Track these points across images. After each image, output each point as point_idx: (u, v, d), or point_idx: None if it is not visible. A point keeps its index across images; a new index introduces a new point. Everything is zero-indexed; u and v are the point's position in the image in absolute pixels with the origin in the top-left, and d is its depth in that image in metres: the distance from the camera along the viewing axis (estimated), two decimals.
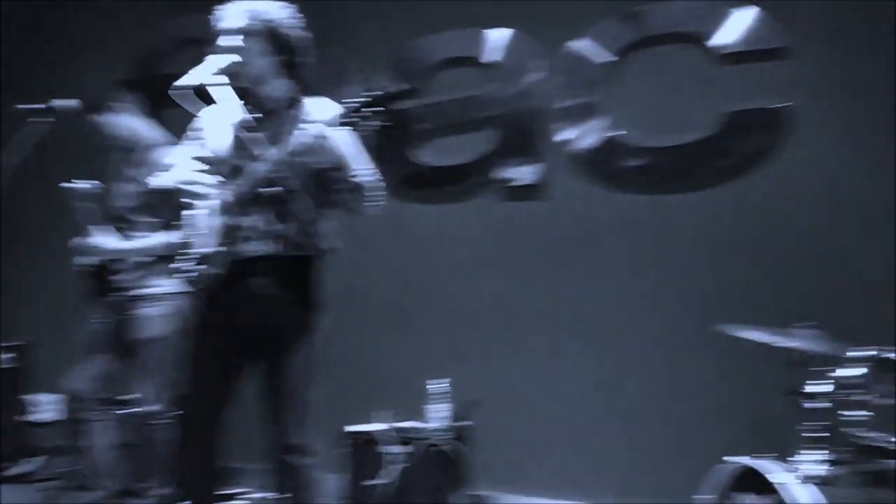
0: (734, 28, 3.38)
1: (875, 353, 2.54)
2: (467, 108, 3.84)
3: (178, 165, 2.59)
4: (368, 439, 3.31)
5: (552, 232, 3.67)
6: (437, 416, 3.35)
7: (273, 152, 2.36)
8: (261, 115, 2.49)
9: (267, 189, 2.36)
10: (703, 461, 2.63)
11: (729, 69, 3.39)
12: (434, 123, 3.90)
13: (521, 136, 3.73)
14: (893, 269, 3.10)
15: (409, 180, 3.92)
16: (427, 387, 3.38)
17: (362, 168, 2.46)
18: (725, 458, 2.56)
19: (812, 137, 3.27)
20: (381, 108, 2.25)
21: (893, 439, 2.43)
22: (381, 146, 3.89)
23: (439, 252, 3.85)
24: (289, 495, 2.48)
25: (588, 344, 3.57)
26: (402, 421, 3.36)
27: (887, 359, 2.51)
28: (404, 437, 3.27)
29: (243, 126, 2.45)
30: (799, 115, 3.28)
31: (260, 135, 2.42)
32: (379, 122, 2.28)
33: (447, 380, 3.38)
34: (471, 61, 3.86)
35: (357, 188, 2.44)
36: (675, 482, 3.11)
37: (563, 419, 3.57)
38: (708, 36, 3.41)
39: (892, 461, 2.48)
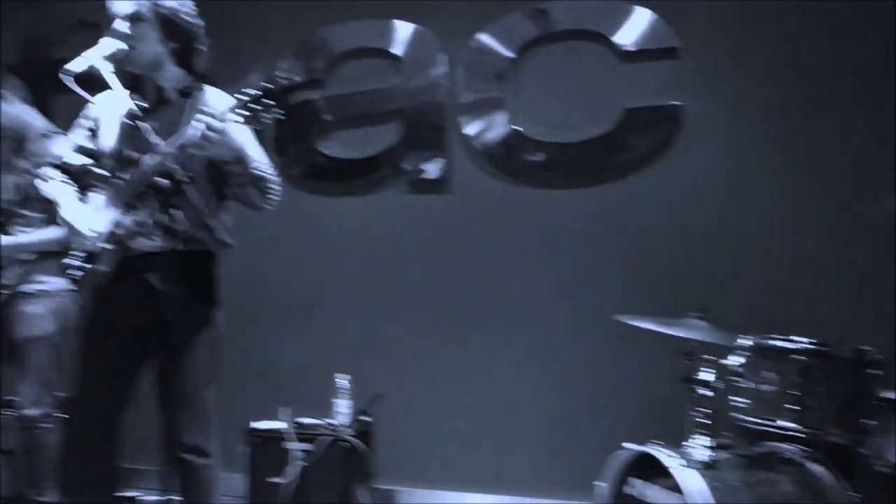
0: (634, 26, 3.47)
1: (758, 341, 2.67)
2: (372, 100, 3.82)
3: (65, 156, 2.48)
4: (271, 436, 3.26)
5: (457, 225, 3.69)
6: (341, 411, 3.33)
7: (166, 143, 2.29)
8: (154, 104, 2.40)
9: (159, 182, 2.29)
10: (605, 448, 2.70)
11: (628, 66, 3.48)
12: (339, 115, 3.86)
13: (427, 130, 3.73)
14: (786, 260, 3.25)
15: (314, 172, 3.88)
16: (333, 381, 3.36)
17: (259, 161, 2.41)
18: (625, 445, 2.64)
19: (705, 134, 3.39)
20: (276, 101, 2.20)
21: (775, 423, 2.58)
22: (286, 137, 3.87)
23: (344, 245, 3.82)
24: (186, 496, 2.43)
25: (491, 336, 3.61)
26: (305, 417, 3.33)
27: (769, 347, 2.65)
28: (307, 434, 3.24)
29: (135, 115, 2.35)
30: (693, 112, 3.40)
31: (152, 125, 2.34)
32: (274, 115, 2.23)
33: (349, 376, 3.36)
34: (376, 52, 3.83)
35: (257, 181, 2.39)
36: (577, 469, 3.18)
37: (466, 411, 3.61)
38: (609, 34, 3.49)
39: (773, 443, 2.63)
